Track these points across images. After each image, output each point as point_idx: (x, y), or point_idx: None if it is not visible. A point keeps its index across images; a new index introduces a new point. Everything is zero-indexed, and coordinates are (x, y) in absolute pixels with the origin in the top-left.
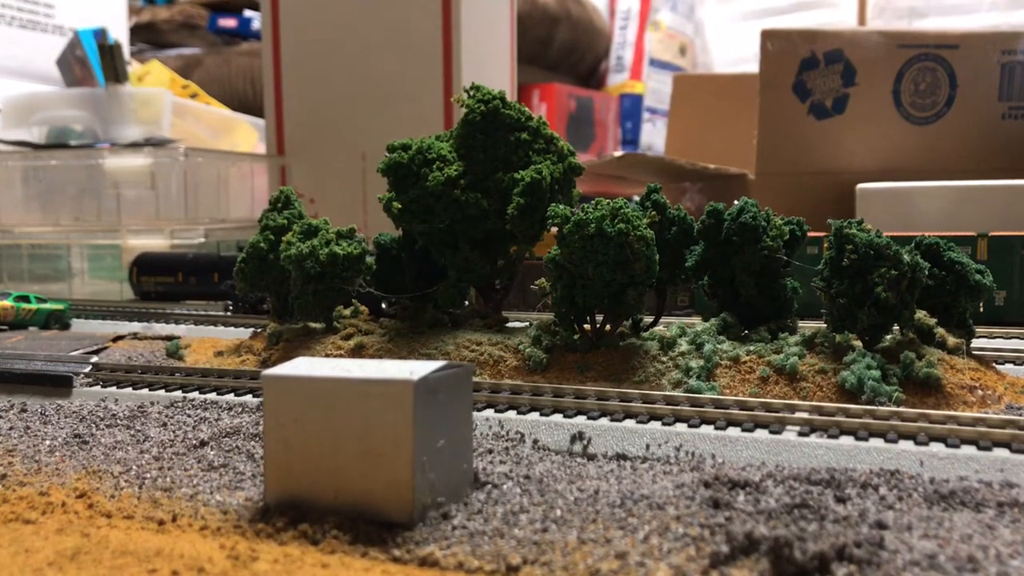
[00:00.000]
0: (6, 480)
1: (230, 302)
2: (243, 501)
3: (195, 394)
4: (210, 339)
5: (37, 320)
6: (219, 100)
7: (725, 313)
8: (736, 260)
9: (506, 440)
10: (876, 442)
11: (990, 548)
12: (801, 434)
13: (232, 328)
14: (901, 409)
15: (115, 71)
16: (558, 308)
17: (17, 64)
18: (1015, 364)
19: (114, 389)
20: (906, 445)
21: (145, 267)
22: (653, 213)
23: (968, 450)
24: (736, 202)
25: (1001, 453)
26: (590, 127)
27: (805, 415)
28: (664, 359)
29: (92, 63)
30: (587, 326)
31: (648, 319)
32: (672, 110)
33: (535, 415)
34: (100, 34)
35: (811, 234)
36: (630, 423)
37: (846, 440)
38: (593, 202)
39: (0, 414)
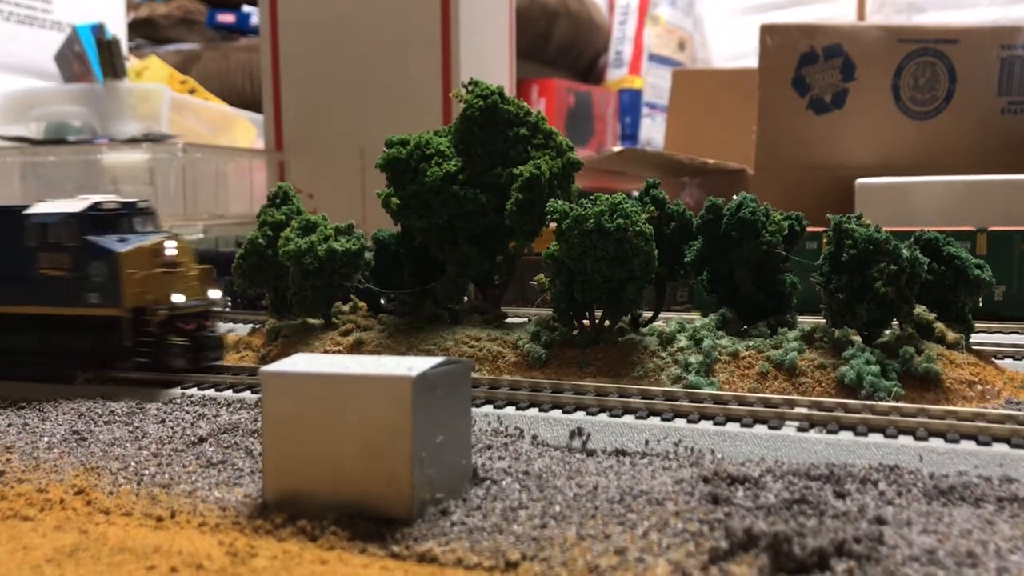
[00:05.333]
0: (4, 477)
1: (228, 298)
2: (242, 498)
3: (193, 390)
4: None
5: None
6: (217, 96)
7: (724, 308)
8: (735, 255)
9: (505, 436)
10: (875, 437)
11: (989, 543)
12: (800, 429)
13: (230, 324)
14: (900, 404)
15: (113, 67)
16: (557, 304)
17: (15, 60)
18: (1014, 359)
19: (113, 385)
20: (905, 440)
21: None
22: (652, 208)
23: (967, 445)
24: (735, 197)
25: (1000, 448)
26: (589, 122)
27: (804, 410)
28: (663, 355)
29: (90, 59)
30: (586, 322)
31: (647, 314)
32: (671, 105)
33: (534, 411)
34: (98, 30)
35: (810, 229)
36: (629, 419)
37: (845, 435)
38: (592, 197)
39: None
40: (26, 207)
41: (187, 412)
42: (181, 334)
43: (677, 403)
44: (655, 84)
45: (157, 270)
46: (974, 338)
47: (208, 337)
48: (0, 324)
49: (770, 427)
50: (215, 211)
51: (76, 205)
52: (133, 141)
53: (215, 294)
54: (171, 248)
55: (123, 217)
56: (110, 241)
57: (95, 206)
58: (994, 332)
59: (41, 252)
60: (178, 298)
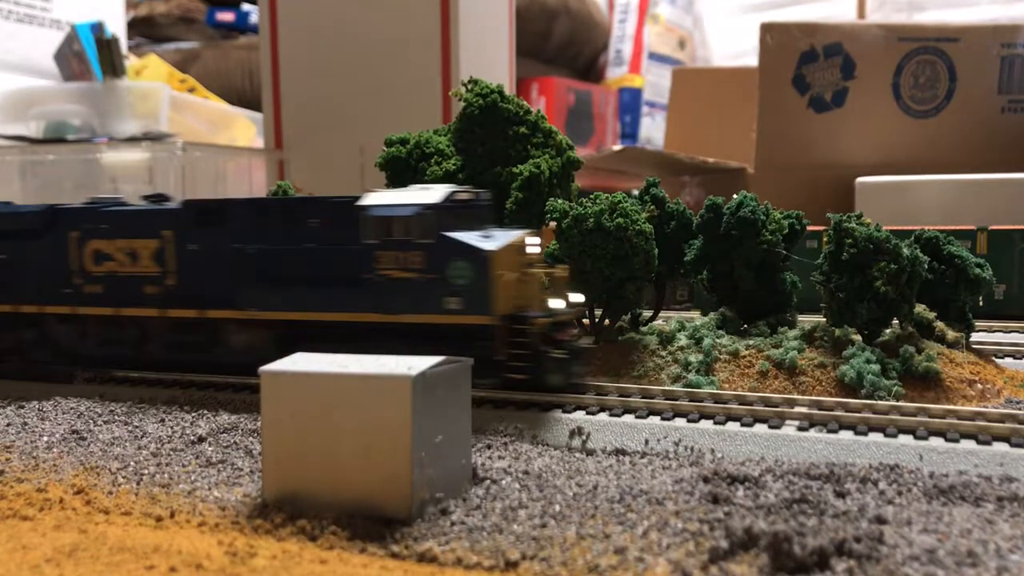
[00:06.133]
0: (3, 476)
1: None
2: (241, 497)
3: (192, 389)
4: None
5: None
6: (217, 94)
7: (724, 307)
8: (735, 254)
9: (505, 435)
10: (875, 436)
11: (989, 542)
12: (800, 429)
13: None
14: (900, 403)
15: (112, 65)
16: None
17: (14, 59)
18: (1014, 358)
19: (112, 385)
20: (905, 439)
21: None
22: (652, 207)
23: (967, 444)
24: (735, 196)
25: (1000, 447)
26: (589, 121)
27: (804, 410)
28: (663, 354)
29: (89, 57)
30: (586, 321)
31: (647, 313)
32: (671, 104)
33: (534, 410)
34: (97, 28)
35: (810, 228)
36: (629, 418)
37: (845, 435)
38: (592, 196)
39: None
40: (355, 198)
41: (186, 411)
42: (556, 345)
43: (677, 402)
44: (655, 83)
45: (529, 271)
46: (974, 337)
47: (582, 349)
48: (317, 332)
49: (770, 426)
50: None
51: (427, 195)
52: (132, 140)
53: (577, 298)
54: (533, 245)
55: (474, 210)
56: (472, 237)
57: (451, 196)
58: (994, 331)
59: (382, 250)
60: (557, 304)
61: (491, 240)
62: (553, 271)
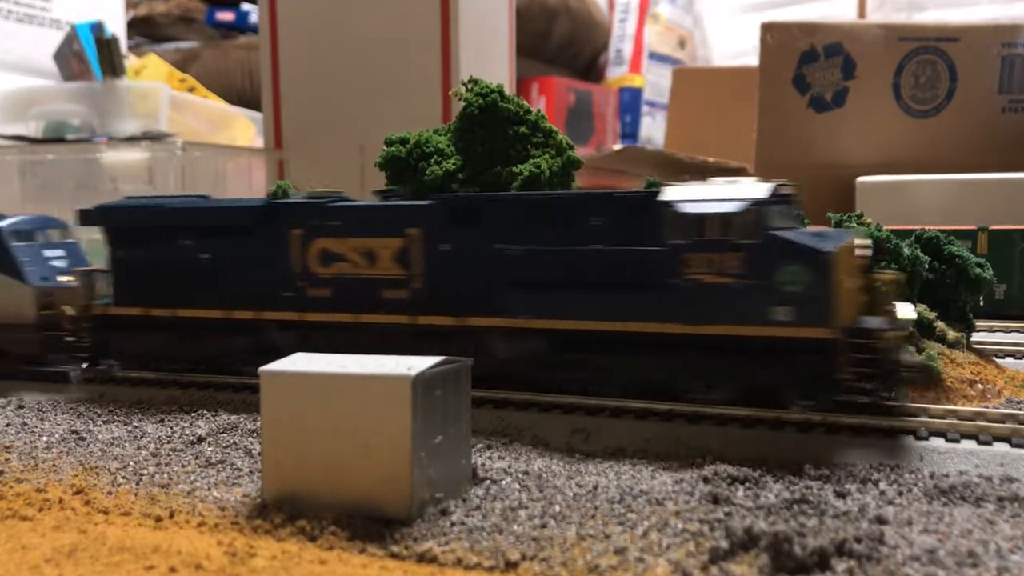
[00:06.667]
0: (3, 477)
1: None
2: (241, 497)
3: (192, 389)
4: None
5: None
6: (217, 94)
7: None
8: None
9: (505, 435)
10: (876, 436)
11: (990, 543)
12: (801, 429)
13: None
14: (901, 403)
15: (112, 65)
16: None
17: (14, 58)
18: (1015, 358)
19: (112, 385)
20: (906, 440)
21: None
22: None
23: (968, 444)
24: None
25: (1001, 448)
26: (589, 121)
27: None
28: None
29: (89, 57)
30: None
31: None
32: (671, 104)
33: (534, 410)
34: (97, 28)
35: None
36: (629, 418)
37: (847, 434)
38: None
39: None
40: (654, 193)
41: (186, 411)
42: (897, 360)
43: (677, 402)
44: (655, 82)
45: (871, 277)
46: (975, 337)
47: (927, 366)
48: (600, 342)
49: (771, 427)
50: None
51: (749, 189)
52: (132, 139)
53: (908, 307)
54: (864, 248)
55: (792, 206)
56: (806, 237)
57: (777, 190)
58: (995, 331)
59: (691, 251)
60: (907, 312)
61: (827, 240)
62: (884, 277)
